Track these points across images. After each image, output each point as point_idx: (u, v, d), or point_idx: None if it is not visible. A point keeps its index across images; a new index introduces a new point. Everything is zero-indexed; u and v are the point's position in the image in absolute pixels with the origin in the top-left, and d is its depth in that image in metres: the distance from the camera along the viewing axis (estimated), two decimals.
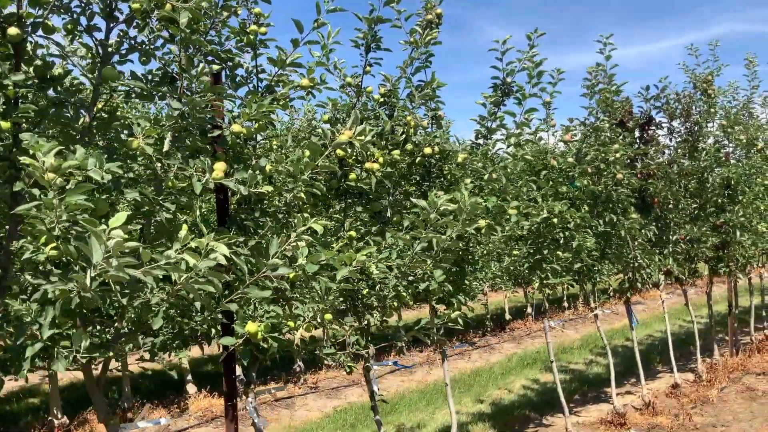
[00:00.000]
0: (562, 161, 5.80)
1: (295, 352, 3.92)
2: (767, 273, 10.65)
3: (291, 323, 3.28)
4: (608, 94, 6.58)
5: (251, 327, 3.03)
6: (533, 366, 10.30)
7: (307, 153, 3.13)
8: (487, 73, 5.28)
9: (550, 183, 5.77)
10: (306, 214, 2.91)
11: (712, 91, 8.78)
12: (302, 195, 3.78)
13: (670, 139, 8.62)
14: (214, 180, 2.76)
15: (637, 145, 7.13)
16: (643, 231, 6.94)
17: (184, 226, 2.50)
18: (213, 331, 2.83)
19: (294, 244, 2.72)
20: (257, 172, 3.15)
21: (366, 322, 4.26)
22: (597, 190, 6.18)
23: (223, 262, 2.28)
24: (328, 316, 3.24)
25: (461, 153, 4.50)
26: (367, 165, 3.99)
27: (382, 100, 4.37)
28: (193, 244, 2.17)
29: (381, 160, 4.08)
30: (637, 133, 7.22)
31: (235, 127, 2.99)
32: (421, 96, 4.22)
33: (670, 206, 7.55)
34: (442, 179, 4.63)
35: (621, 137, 7.17)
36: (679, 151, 8.35)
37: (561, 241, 6.02)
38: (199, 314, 2.78)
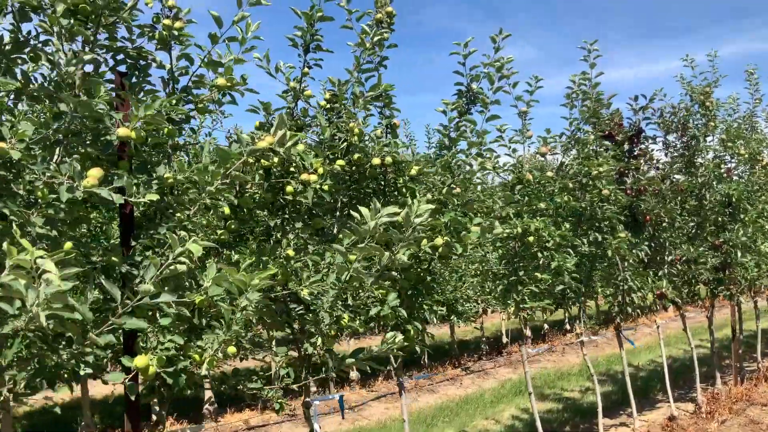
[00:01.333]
0: (539, 175, 5.36)
1: (214, 386, 3.52)
2: None
3: (196, 356, 2.85)
4: (591, 104, 6.15)
5: (140, 361, 2.61)
6: (526, 393, 9.74)
7: (208, 161, 2.73)
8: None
9: (526, 198, 5.33)
10: (183, 233, 2.50)
11: (710, 104, 8.32)
12: (226, 208, 3.38)
13: (666, 154, 8.17)
14: (85, 188, 2.36)
15: (626, 159, 6.67)
16: (633, 251, 6.47)
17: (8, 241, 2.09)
18: (82, 366, 2.41)
19: (173, 267, 2.31)
20: (154, 181, 2.75)
21: (305, 352, 3.82)
22: (579, 206, 5.73)
23: (59, 285, 1.87)
24: (232, 349, 2.81)
25: (415, 165, 4.08)
26: (303, 176, 3.58)
27: (327, 105, 3.98)
28: (10, 262, 1.77)
29: (320, 170, 3.67)
30: (626, 147, 6.77)
31: (121, 131, 2.60)
32: (367, 100, 3.82)
33: (665, 225, 7.07)
34: (397, 194, 4.22)
35: (608, 150, 6.74)
36: (675, 166, 7.89)
37: (540, 262, 5.57)
38: (66, 348, 2.36)
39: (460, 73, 4.61)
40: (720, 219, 7.89)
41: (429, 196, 4.34)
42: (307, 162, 3.61)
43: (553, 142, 5.77)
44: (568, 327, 14.81)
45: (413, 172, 4.07)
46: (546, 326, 13.89)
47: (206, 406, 8.10)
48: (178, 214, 2.85)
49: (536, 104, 5.48)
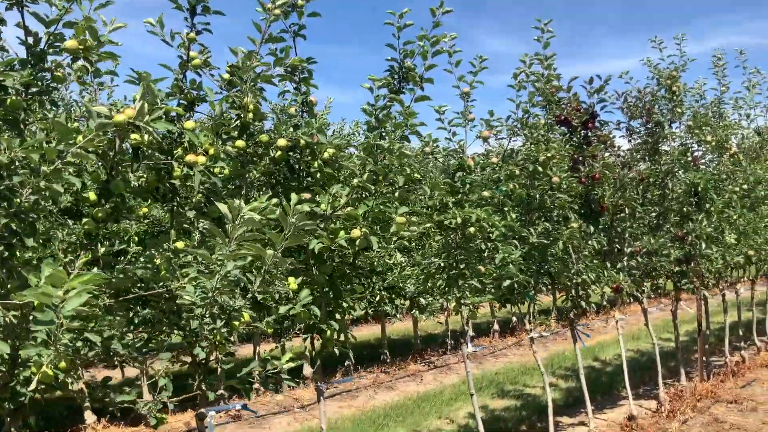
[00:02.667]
0: (481, 161, 4.95)
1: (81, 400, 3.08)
2: (744, 288, 9.79)
3: (34, 368, 2.41)
4: (542, 86, 5.75)
5: None
6: (486, 390, 9.40)
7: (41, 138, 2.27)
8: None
9: (468, 186, 4.92)
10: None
11: (677, 89, 7.97)
12: (91, 194, 2.93)
13: (629, 141, 7.81)
14: None
15: (582, 146, 6.28)
16: (589, 242, 6.09)
17: None
18: None
19: None
20: None
21: (198, 358, 3.38)
22: (524, 194, 5.33)
23: None
24: (62, 364, 2.36)
25: (330, 148, 3.64)
26: (189, 158, 3.14)
27: (229, 78, 3.52)
28: None
29: (211, 151, 3.23)
30: (582, 132, 6.38)
31: None
32: (268, 76, 3.37)
33: (623, 215, 6.70)
34: (311, 179, 3.78)
35: (564, 136, 6.35)
36: (638, 153, 7.52)
37: (486, 254, 5.18)
38: None
39: (392, 46, 4.18)
40: (685, 209, 7.54)
41: (355, 182, 3.92)
42: (195, 141, 3.16)
43: (498, 126, 5.36)
44: (534, 321, 14.48)
45: (327, 155, 3.64)
46: (515, 319, 13.56)
47: (88, 421, 7.60)
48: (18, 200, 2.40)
49: (480, 86, 5.07)
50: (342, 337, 3.94)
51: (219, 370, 3.62)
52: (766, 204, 8.96)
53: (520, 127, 5.30)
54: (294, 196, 2.76)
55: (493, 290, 5.60)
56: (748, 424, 6.86)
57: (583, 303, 6.06)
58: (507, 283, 5.44)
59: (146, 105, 2.53)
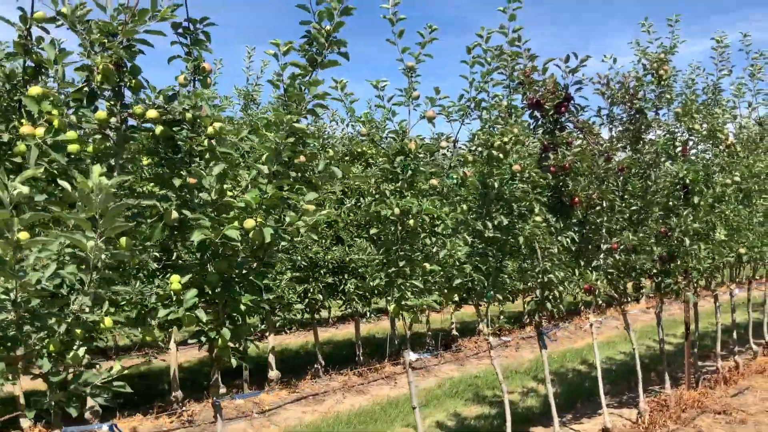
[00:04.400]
0: (425, 145, 4.37)
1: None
2: (739, 290, 9.16)
3: None
4: (509, 63, 5.17)
5: None
6: (462, 395, 8.83)
7: None
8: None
9: (409, 173, 4.34)
10: None
11: (664, 72, 7.35)
12: None
13: (610, 129, 7.20)
14: None
15: (551, 131, 5.69)
16: (558, 238, 5.51)
17: None
18: None
19: None
20: None
21: (47, 371, 2.83)
22: (477, 183, 4.76)
23: None
24: None
25: (216, 122, 3.08)
26: (23, 130, 2.59)
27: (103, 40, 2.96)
28: None
29: (56, 123, 2.68)
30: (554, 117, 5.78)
31: None
32: (128, 31, 2.80)
33: (599, 208, 6.10)
34: (197, 157, 3.22)
35: (537, 121, 5.79)
36: (619, 142, 6.92)
37: (434, 249, 4.62)
38: None
39: (305, 8, 3.61)
40: (671, 203, 6.93)
41: (263, 166, 3.37)
42: (34, 110, 2.61)
43: (451, 106, 4.77)
44: (527, 320, 13.88)
45: (211, 130, 3.08)
46: (502, 317, 12.96)
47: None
48: None
49: (429, 60, 4.50)
50: (240, 347, 3.38)
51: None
52: (762, 198, 8.34)
53: (473, 108, 4.71)
54: (96, 168, 2.21)
55: (446, 290, 5.05)
56: None
57: (549, 305, 5.47)
58: (458, 281, 4.88)
59: None
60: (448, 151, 4.73)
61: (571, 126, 5.98)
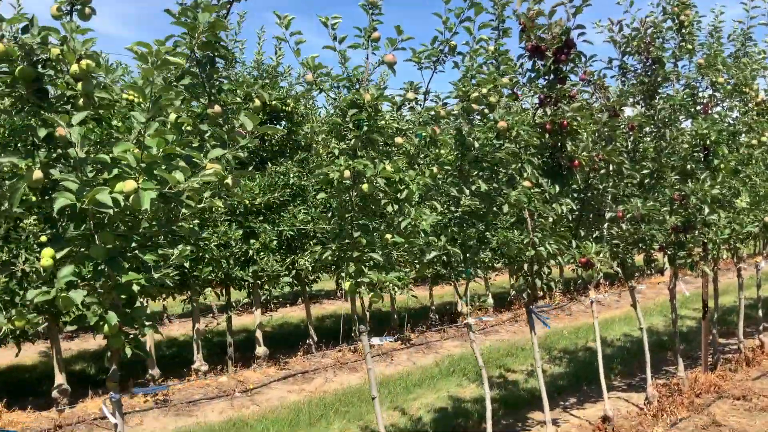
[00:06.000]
0: (383, 95, 3.69)
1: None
2: (765, 262, 8.35)
3: None
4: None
5: None
6: (460, 373, 8.26)
7: None
8: None
9: (364, 129, 3.68)
10: None
11: (685, 17, 6.51)
12: None
13: (622, 82, 6.42)
14: None
15: (548, 83, 4.95)
16: (554, 206, 4.81)
17: None
18: None
19: None
20: None
21: None
22: (450, 142, 4.08)
23: None
24: None
25: (84, 59, 2.46)
26: None
27: None
28: None
29: None
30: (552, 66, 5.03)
31: None
32: None
33: (603, 172, 5.38)
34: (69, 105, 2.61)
35: (537, 72, 5.07)
36: (631, 97, 6.14)
37: (399, 220, 3.98)
38: None
39: None
40: (689, 166, 6.16)
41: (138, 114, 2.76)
42: None
43: (422, 51, 4.07)
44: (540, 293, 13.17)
45: (75, 68, 2.46)
46: (513, 292, 12.30)
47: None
48: None
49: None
50: (138, 333, 2.81)
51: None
52: None
53: (446, 52, 3.99)
54: None
55: (417, 265, 4.42)
56: (753, 429, 5.59)
57: (538, 281, 4.81)
58: (430, 255, 4.25)
59: None
60: (416, 103, 4.05)
61: (573, 77, 5.22)
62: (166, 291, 7.65)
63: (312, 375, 8.39)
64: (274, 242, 8.07)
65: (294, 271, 8.33)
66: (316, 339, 9.27)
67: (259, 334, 8.57)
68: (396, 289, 9.20)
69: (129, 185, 2.48)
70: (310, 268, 8.35)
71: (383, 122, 3.70)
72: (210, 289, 8.00)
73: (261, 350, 8.54)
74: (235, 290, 8.58)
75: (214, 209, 7.60)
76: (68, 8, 2.67)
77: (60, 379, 6.75)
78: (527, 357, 9.05)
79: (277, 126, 8.62)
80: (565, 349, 9.55)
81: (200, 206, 2.72)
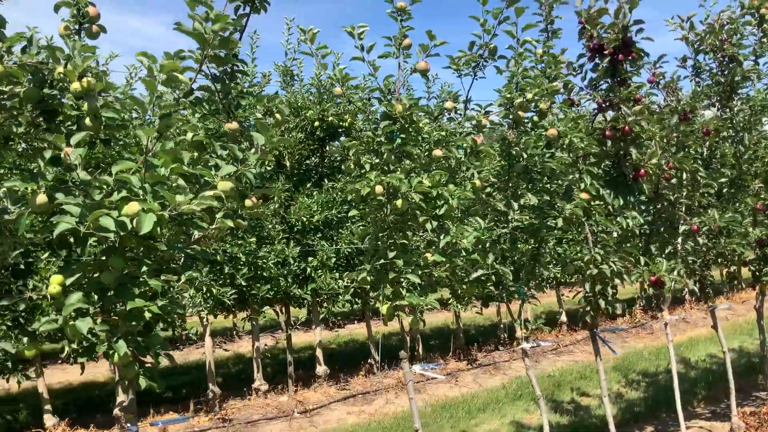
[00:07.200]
0: (416, 105, 3.46)
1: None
2: None
3: None
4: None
5: None
6: (528, 397, 7.82)
7: None
8: None
9: (397, 141, 3.46)
10: None
11: (766, 11, 5.95)
12: None
13: (697, 83, 5.91)
14: None
15: (607, 85, 4.57)
16: (618, 219, 4.41)
17: None
18: None
19: None
20: None
21: None
22: (492, 153, 3.79)
23: None
24: None
25: (87, 77, 2.37)
26: None
27: None
28: None
29: None
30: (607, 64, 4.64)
31: None
32: None
33: (674, 181, 4.92)
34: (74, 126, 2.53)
35: (595, 69, 4.72)
36: (706, 98, 5.64)
37: (439, 237, 3.74)
38: None
39: None
40: None
41: (142, 134, 2.66)
42: None
43: (461, 57, 3.81)
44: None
45: (76, 86, 2.36)
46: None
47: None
48: None
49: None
50: (152, 363, 2.68)
51: None
52: None
53: (486, 56, 3.72)
54: None
55: (465, 285, 4.14)
56: None
57: (602, 302, 4.41)
58: (477, 274, 3.96)
59: None
60: (455, 113, 3.79)
61: (639, 79, 4.80)
62: (226, 310, 7.66)
63: (373, 396, 8.17)
64: (332, 260, 7.94)
65: (352, 289, 8.16)
66: (378, 358, 9.06)
67: (319, 353, 8.44)
68: (459, 306, 8.88)
69: (132, 207, 2.36)
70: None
71: (417, 134, 3.47)
72: (268, 306, 7.95)
73: (321, 369, 8.40)
74: (295, 308, 8.50)
75: (239, 228, 7.56)
76: (76, 27, 2.60)
77: (122, 396, 6.83)
78: (607, 380, 8.47)
79: (335, 143, 8.55)
80: (645, 371, 8.90)
81: (213, 227, 2.57)
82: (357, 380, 8.69)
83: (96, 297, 2.52)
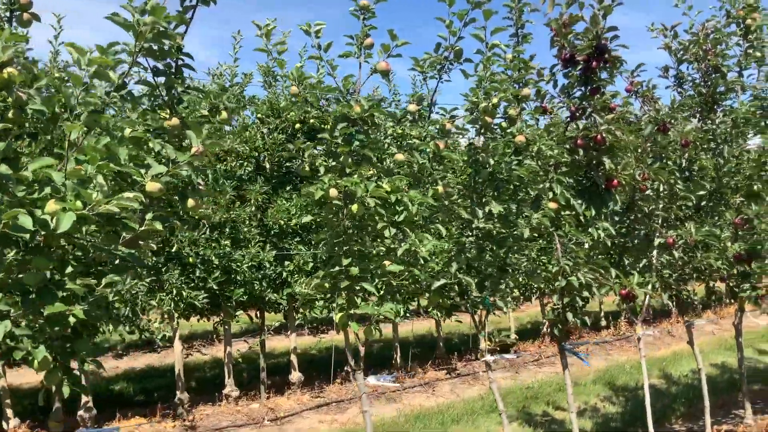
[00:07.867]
0: (375, 107, 3.33)
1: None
2: None
3: None
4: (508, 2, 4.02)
5: None
6: (506, 410, 7.65)
7: None
8: None
9: (354, 144, 3.33)
10: None
11: (752, 21, 5.86)
12: None
13: (680, 93, 5.81)
14: None
15: (580, 93, 4.45)
16: (590, 230, 4.29)
17: None
18: None
19: None
20: None
21: None
22: (457, 158, 3.67)
23: None
24: None
25: (4, 67, 2.23)
26: None
27: None
28: None
29: None
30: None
31: None
32: None
33: (649, 193, 4.80)
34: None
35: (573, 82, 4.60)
36: (687, 109, 5.53)
37: (395, 244, 3.61)
38: None
39: None
40: (755, 186, 5.45)
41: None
42: None
43: (425, 59, 3.69)
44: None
45: None
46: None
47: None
48: None
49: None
50: (76, 369, 2.54)
51: None
52: None
53: (451, 59, 3.60)
54: None
55: (428, 294, 4.01)
56: None
57: (570, 315, 4.28)
58: (439, 283, 3.83)
59: None
60: (419, 116, 3.66)
61: (614, 88, 4.69)
62: (198, 314, 7.50)
63: (347, 404, 8.02)
64: (310, 264, 7.80)
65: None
66: (353, 365, 8.89)
67: (294, 359, 8.29)
68: (439, 314, 8.74)
69: (50, 206, 2.22)
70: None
71: (376, 136, 3.34)
72: (242, 311, 7.80)
73: (295, 376, 8.25)
74: (270, 313, 8.36)
75: (245, 231, 7.42)
76: (7, 15, 2.47)
77: (86, 398, 6.67)
78: (580, 393, 8.36)
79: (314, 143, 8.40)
80: (625, 385, 8.78)
81: (142, 229, 2.44)
82: (332, 388, 8.54)
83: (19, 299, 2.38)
